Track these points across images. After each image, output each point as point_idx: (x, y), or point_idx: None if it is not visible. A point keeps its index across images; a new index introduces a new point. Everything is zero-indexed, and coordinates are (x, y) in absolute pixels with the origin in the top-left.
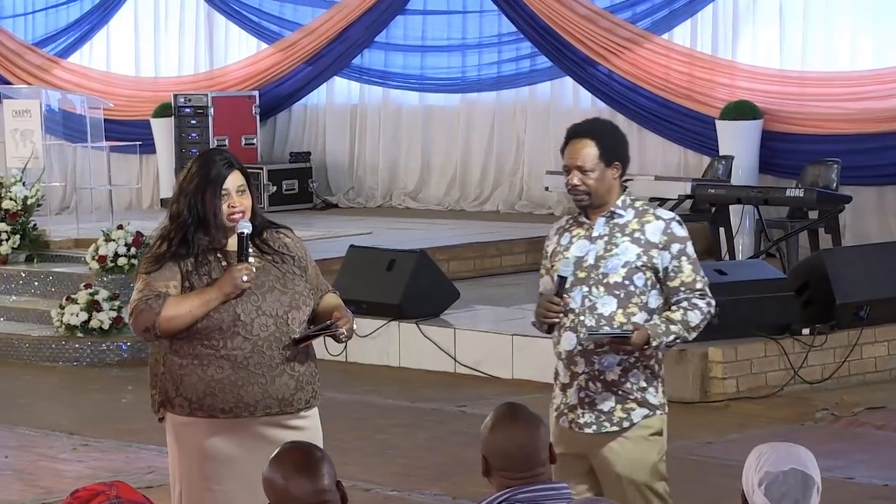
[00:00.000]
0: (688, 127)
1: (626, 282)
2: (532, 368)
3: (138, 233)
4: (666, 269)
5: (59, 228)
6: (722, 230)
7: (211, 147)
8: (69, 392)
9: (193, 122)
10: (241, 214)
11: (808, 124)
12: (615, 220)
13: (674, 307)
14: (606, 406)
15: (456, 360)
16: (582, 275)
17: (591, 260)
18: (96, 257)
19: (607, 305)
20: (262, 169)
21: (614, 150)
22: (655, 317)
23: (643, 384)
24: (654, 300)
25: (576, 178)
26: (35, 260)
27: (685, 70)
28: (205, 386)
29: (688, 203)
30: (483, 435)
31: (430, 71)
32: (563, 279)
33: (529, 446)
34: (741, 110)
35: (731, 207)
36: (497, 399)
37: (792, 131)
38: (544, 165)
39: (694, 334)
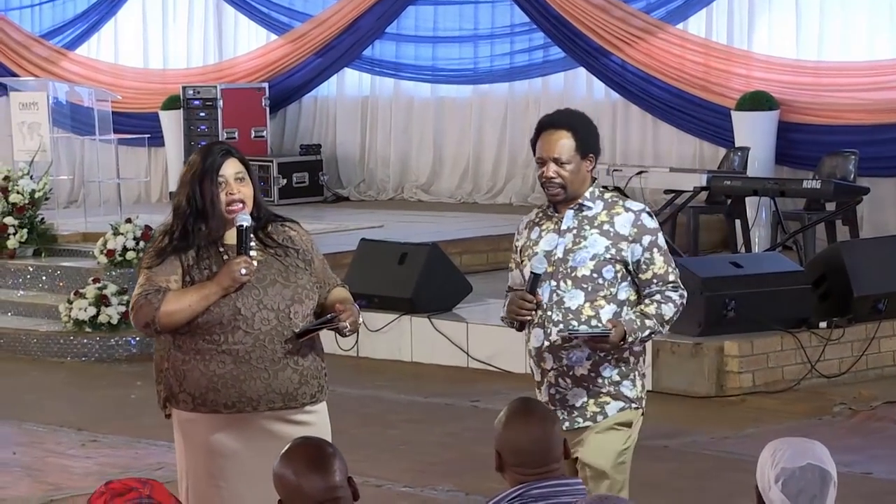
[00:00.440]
0: (703, 118)
1: (595, 275)
2: None
3: (147, 226)
4: (638, 261)
5: (67, 222)
6: (738, 222)
7: (218, 140)
8: (77, 388)
9: (202, 114)
10: (240, 204)
11: (825, 115)
12: (584, 213)
13: (647, 300)
14: (578, 402)
15: (469, 355)
16: (550, 269)
17: (559, 254)
18: (105, 251)
19: (575, 299)
20: (272, 162)
21: (589, 142)
22: (627, 309)
23: (616, 378)
24: (624, 292)
25: (551, 171)
26: (43, 254)
27: (700, 60)
28: (207, 381)
29: (703, 195)
30: (496, 430)
31: (441, 62)
32: (536, 276)
33: (544, 442)
34: (757, 101)
35: (747, 199)
36: (510, 394)
37: (809, 122)
38: None
39: (668, 327)
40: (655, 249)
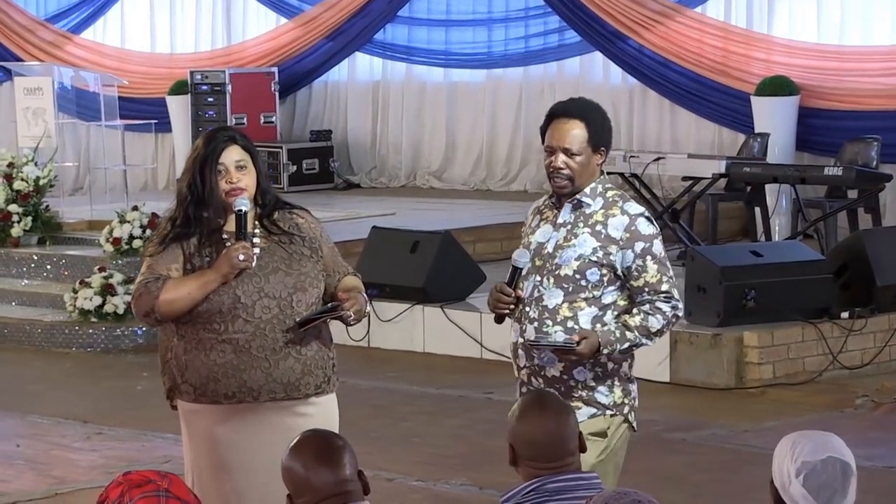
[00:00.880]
0: (722, 103)
1: (577, 275)
2: None
3: (154, 214)
4: (628, 268)
5: (73, 210)
6: (757, 210)
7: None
8: (83, 379)
9: (210, 99)
10: (240, 192)
11: (847, 100)
12: (582, 209)
13: (634, 310)
14: None
15: (482, 346)
16: (539, 263)
17: (549, 248)
18: (111, 239)
19: (553, 298)
20: (281, 148)
21: (602, 135)
22: (611, 314)
23: (591, 383)
24: (610, 296)
25: (559, 161)
26: (47, 242)
27: (719, 44)
28: (207, 371)
29: (722, 182)
30: (510, 423)
31: (455, 46)
32: (517, 270)
33: (558, 435)
34: (777, 86)
35: (766, 187)
36: None
37: (830, 107)
38: None
39: (655, 339)
40: (649, 257)
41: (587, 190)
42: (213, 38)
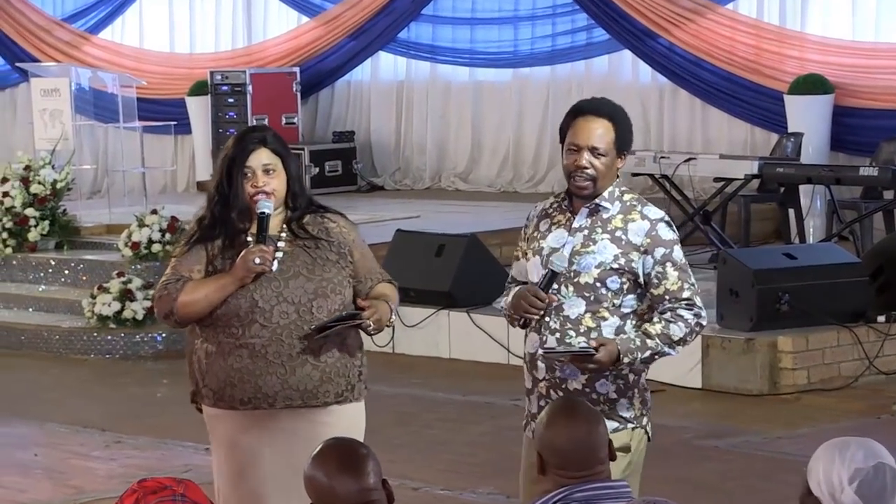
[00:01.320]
0: (754, 102)
1: (598, 284)
2: None
3: (173, 218)
4: (648, 275)
5: (90, 214)
6: (791, 212)
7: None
8: (101, 386)
9: (231, 100)
10: (265, 195)
11: (882, 99)
12: (599, 213)
13: (655, 319)
14: None
15: (509, 351)
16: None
17: (565, 254)
18: (129, 244)
19: (575, 307)
20: (303, 149)
21: (627, 138)
22: (629, 323)
23: (613, 395)
24: (630, 305)
25: (585, 160)
26: (65, 247)
27: (751, 42)
28: (225, 375)
29: (755, 183)
30: (538, 431)
31: (480, 45)
32: (554, 274)
33: (587, 443)
34: (811, 84)
35: (800, 187)
36: None
37: (865, 106)
38: None
39: (678, 348)
40: (669, 263)
41: (605, 194)
42: (234, 37)
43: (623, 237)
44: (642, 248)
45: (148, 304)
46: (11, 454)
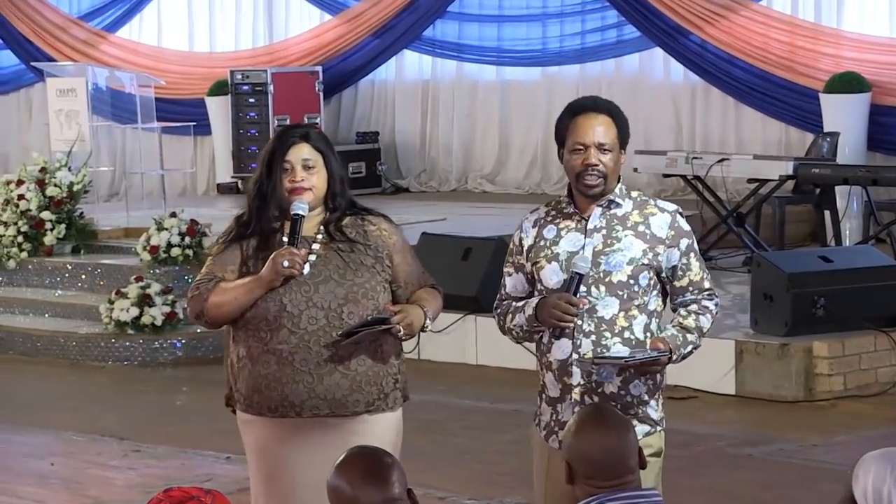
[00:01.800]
0: (789, 101)
1: (631, 281)
2: None
3: (192, 221)
4: (674, 267)
5: (108, 217)
6: (827, 213)
7: (279, 126)
8: (119, 394)
9: (252, 100)
10: (302, 191)
11: None
12: (613, 211)
13: (683, 312)
14: None
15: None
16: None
17: (587, 255)
18: (148, 248)
19: (609, 308)
20: None
21: (626, 133)
22: (656, 321)
23: (645, 397)
24: (654, 302)
25: (594, 157)
26: (82, 251)
27: (786, 39)
28: (254, 381)
29: (790, 184)
30: (566, 439)
31: (507, 43)
32: (580, 276)
33: (617, 451)
34: (847, 83)
35: (837, 189)
36: None
37: None
38: (633, 145)
39: (703, 340)
40: (692, 254)
41: (617, 191)
42: (255, 35)
43: (647, 231)
44: (667, 242)
45: (167, 309)
46: (27, 464)
